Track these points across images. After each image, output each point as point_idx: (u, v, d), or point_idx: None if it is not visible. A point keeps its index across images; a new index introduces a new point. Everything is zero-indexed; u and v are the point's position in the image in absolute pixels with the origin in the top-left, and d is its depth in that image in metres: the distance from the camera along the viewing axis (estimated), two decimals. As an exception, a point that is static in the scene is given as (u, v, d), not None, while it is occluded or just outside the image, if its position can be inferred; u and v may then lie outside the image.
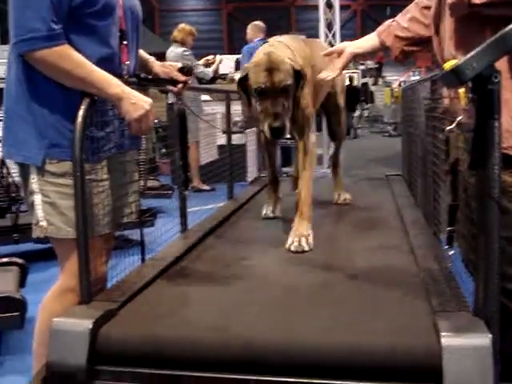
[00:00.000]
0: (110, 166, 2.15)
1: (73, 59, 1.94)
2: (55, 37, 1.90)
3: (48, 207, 2.04)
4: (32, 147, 2.00)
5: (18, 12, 1.89)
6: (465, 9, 1.84)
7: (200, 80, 7.73)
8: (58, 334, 1.71)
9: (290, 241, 2.60)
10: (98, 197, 2.08)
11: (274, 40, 2.86)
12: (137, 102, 1.99)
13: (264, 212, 3.30)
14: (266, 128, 2.46)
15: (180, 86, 2.42)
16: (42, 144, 1.99)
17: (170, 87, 2.46)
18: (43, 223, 2.05)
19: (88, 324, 1.69)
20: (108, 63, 2.05)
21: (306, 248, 2.56)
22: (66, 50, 1.93)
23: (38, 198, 2.05)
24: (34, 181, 2.03)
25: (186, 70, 2.47)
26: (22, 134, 2.01)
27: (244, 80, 2.61)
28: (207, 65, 7.95)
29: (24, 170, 2.07)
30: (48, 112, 1.97)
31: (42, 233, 2.06)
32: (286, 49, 2.69)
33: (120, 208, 2.26)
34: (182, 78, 2.42)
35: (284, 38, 2.89)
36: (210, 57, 8.24)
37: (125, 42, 2.16)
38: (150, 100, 2.05)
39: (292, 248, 2.56)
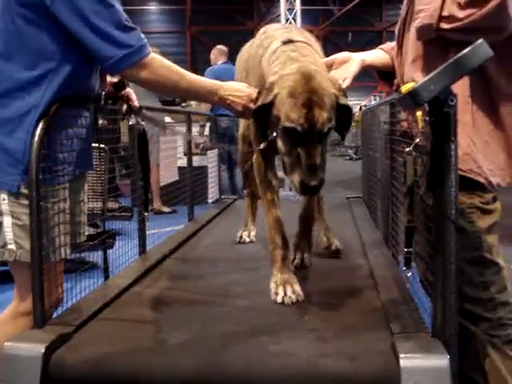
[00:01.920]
0: (71, 188, 2.11)
1: (171, 69, 2.01)
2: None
3: (18, 230, 1.96)
4: (7, 174, 1.92)
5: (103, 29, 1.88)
6: (432, 33, 1.87)
7: (167, 102, 7.69)
8: (10, 358, 1.66)
9: (291, 257, 2.44)
10: (60, 219, 2.03)
11: (294, 35, 2.25)
12: (231, 103, 2.13)
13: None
14: (296, 182, 1.88)
15: (120, 102, 2.38)
16: (18, 170, 1.92)
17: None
18: (12, 246, 1.96)
19: (40, 348, 1.65)
20: (85, 84, 2.05)
21: (308, 263, 2.55)
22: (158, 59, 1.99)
23: (7, 220, 1.96)
24: (5, 202, 1.95)
25: (120, 85, 2.38)
26: None
27: (266, 107, 1.99)
28: None
29: None
30: (25, 138, 1.91)
31: (10, 256, 1.96)
32: (316, 57, 2.18)
33: (75, 229, 2.21)
34: (115, 94, 2.37)
35: (300, 33, 2.33)
36: None
37: None
38: (245, 89, 2.16)
39: (294, 264, 2.50)
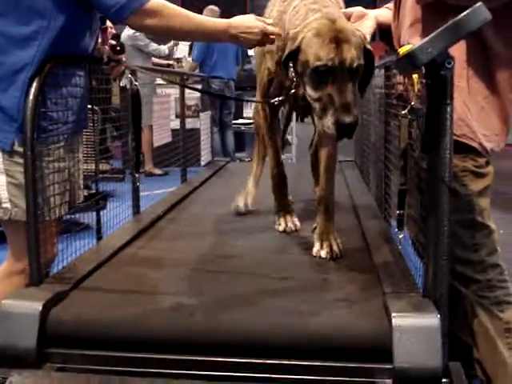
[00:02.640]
0: (66, 147, 2.10)
1: (176, 12, 1.99)
2: None
3: (13, 188, 1.96)
4: (1, 131, 1.92)
5: None
6: None
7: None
8: (7, 316, 1.67)
9: (317, 246, 2.23)
10: (55, 178, 2.03)
11: None
12: (247, 33, 2.07)
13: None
14: (329, 123, 1.80)
15: (112, 64, 2.36)
16: (12, 128, 1.91)
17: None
18: (7, 205, 1.96)
19: (38, 306, 1.66)
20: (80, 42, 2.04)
21: (338, 254, 2.19)
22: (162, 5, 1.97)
23: (1, 179, 1.95)
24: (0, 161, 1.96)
25: (118, 49, 2.35)
26: None
27: (291, 56, 1.95)
28: None
29: None
30: (19, 96, 1.90)
31: (5, 215, 1.96)
32: (337, 8, 2.16)
33: (73, 190, 2.21)
34: (113, 56, 2.34)
35: None
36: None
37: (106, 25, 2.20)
38: (255, 23, 2.09)
39: (322, 255, 2.19)
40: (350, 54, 1.82)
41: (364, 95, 2.10)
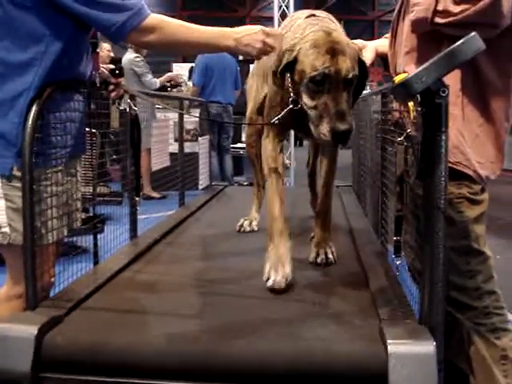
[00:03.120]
0: (64, 171, 2.11)
1: (176, 25, 2.00)
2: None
3: (12, 213, 1.96)
4: (0, 157, 1.93)
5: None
6: (427, 26, 1.89)
7: (168, 82, 7.66)
8: (3, 339, 1.67)
9: (313, 254, 2.43)
10: (54, 202, 2.04)
11: (317, 13, 2.31)
12: (250, 41, 2.04)
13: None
14: (325, 131, 1.87)
15: (111, 87, 2.37)
16: (11, 153, 1.92)
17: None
18: (6, 229, 1.96)
19: (33, 330, 1.66)
20: (76, 67, 2.06)
21: (333, 261, 2.40)
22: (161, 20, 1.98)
23: (1, 203, 1.96)
24: None
25: (117, 72, 2.38)
26: None
27: (289, 66, 2.03)
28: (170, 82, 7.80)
29: None
30: (18, 121, 1.91)
31: (4, 239, 1.97)
32: (337, 26, 2.24)
33: (70, 214, 2.22)
34: (112, 80, 2.36)
35: (325, 13, 2.37)
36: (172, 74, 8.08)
37: (97, 50, 2.17)
38: (258, 29, 2.07)
39: (318, 261, 2.41)
40: (345, 64, 1.90)
41: (355, 105, 2.17)
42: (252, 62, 9.88)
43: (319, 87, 1.91)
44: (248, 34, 2.06)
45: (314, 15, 2.26)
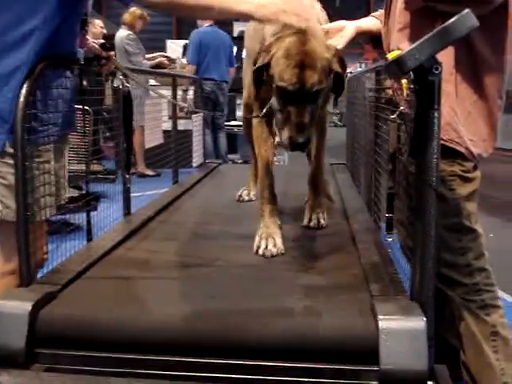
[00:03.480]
0: (55, 149, 2.11)
1: None
2: None
3: (4, 189, 1.95)
4: None
5: None
6: (420, 3, 1.88)
7: (158, 66, 7.59)
8: (-4, 316, 1.68)
9: (307, 218, 2.62)
10: (45, 180, 2.03)
11: None
12: (270, 10, 1.93)
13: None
14: (284, 137, 1.96)
15: (102, 61, 2.34)
16: (3, 129, 1.91)
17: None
18: None
19: (27, 306, 1.67)
20: (68, 44, 2.03)
21: (324, 225, 2.60)
22: None
23: None
24: None
25: (108, 46, 2.35)
26: None
27: (263, 68, 2.08)
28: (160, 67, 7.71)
29: None
30: (12, 97, 1.90)
31: None
32: (314, 20, 2.19)
33: (58, 191, 2.21)
34: (103, 53, 2.33)
35: None
36: (157, 54, 7.96)
37: (86, 28, 2.14)
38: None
39: (311, 225, 2.60)
40: (312, 79, 1.94)
41: (337, 104, 2.31)
42: (235, 40, 9.80)
43: (286, 98, 1.97)
44: (268, 1, 1.95)
45: None
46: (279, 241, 2.29)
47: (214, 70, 7.52)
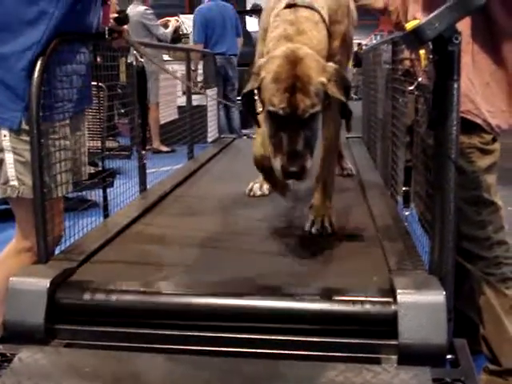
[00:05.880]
0: (71, 125, 2.10)
1: None
2: None
3: (21, 166, 1.96)
4: (8, 110, 1.92)
5: None
6: None
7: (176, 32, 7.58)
8: (16, 293, 1.69)
9: (309, 222, 2.24)
10: (61, 156, 2.03)
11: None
12: None
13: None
14: (277, 166, 1.83)
15: (115, 35, 2.30)
16: (19, 107, 1.91)
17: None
18: (14, 183, 1.97)
19: (46, 283, 1.67)
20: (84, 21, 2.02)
21: (329, 231, 2.21)
22: None
23: (9, 157, 1.96)
24: (6, 138, 1.94)
25: (121, 20, 2.26)
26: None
27: (253, 92, 1.94)
28: (165, 25, 7.75)
29: None
30: (26, 74, 1.89)
31: (13, 193, 1.97)
32: (314, 33, 1.99)
33: (77, 168, 2.22)
34: (116, 27, 2.27)
35: None
36: (171, 18, 8.02)
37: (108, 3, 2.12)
38: None
39: (313, 231, 2.21)
40: (303, 104, 1.78)
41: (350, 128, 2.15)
42: (249, 13, 9.66)
43: (276, 122, 1.83)
44: None
45: (295, 5, 2.01)
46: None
47: (222, 44, 7.46)
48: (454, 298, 1.57)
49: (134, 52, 2.73)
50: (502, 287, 2.03)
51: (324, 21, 2.03)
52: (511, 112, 2.01)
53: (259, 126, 2.04)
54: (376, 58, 3.74)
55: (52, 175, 1.99)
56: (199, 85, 6.88)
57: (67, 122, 2.05)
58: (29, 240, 1.98)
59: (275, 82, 1.81)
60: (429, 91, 1.63)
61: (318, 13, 2.01)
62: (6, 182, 1.97)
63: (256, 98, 1.95)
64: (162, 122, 5.37)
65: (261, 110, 1.96)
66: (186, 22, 8.76)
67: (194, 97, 4.32)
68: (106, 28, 2.19)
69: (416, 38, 1.44)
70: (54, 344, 1.63)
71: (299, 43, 1.91)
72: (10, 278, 1.72)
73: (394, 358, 1.49)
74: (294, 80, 1.79)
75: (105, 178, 2.72)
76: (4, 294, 1.72)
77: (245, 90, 1.94)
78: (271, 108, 1.81)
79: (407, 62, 2.30)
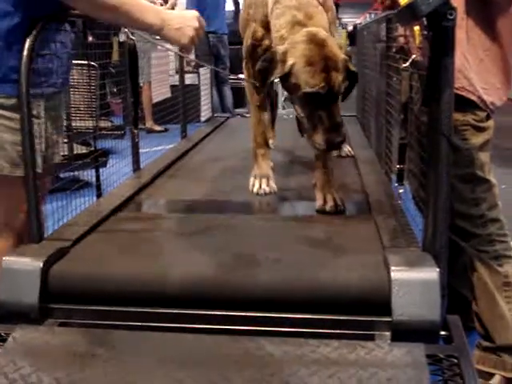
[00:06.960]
0: (46, 104, 2.05)
1: None
2: None
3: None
4: None
5: None
6: None
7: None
8: (9, 272, 1.68)
9: (320, 201, 2.23)
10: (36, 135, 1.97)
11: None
12: (182, 26, 1.85)
13: (252, 184, 2.54)
14: (320, 141, 1.96)
15: None
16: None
17: None
18: None
19: (39, 262, 1.66)
20: None
21: (342, 208, 2.21)
22: None
23: None
24: None
25: None
26: None
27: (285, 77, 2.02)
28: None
29: None
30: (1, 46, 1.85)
31: None
32: (320, 17, 2.14)
33: (52, 148, 2.14)
34: None
35: None
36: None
37: None
38: (195, 14, 1.93)
39: (327, 209, 2.20)
40: (338, 81, 1.95)
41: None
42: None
43: (315, 102, 1.96)
44: (181, 17, 1.88)
45: None
46: (272, 181, 2.48)
47: (213, 21, 7.37)
48: (447, 275, 1.58)
49: (126, 30, 2.70)
50: (495, 264, 2.04)
51: (319, 2, 2.18)
52: (506, 89, 2.01)
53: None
54: (370, 36, 3.72)
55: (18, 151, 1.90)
56: (192, 63, 6.83)
57: (41, 101, 1.97)
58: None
59: (310, 65, 1.95)
60: (423, 68, 1.62)
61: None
62: None
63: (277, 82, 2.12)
64: (155, 101, 5.35)
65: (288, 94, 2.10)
66: (180, 1, 8.67)
67: (186, 76, 4.29)
68: None
69: (411, 13, 1.42)
70: (48, 323, 1.62)
71: (313, 27, 2.06)
72: (4, 258, 1.71)
73: (388, 334, 1.49)
74: (326, 61, 1.95)
75: (97, 158, 2.70)
76: None
77: (275, 75, 2.05)
78: (309, 89, 1.95)
79: (401, 39, 2.28)
